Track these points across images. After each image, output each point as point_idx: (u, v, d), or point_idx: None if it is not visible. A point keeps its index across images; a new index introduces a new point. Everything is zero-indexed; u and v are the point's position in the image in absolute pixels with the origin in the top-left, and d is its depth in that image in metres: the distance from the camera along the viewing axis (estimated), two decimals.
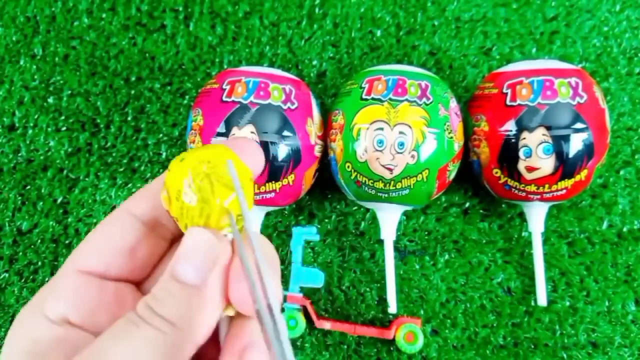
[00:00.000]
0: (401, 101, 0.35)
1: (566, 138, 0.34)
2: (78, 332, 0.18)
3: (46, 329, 0.18)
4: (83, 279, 0.19)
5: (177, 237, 0.21)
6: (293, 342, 0.40)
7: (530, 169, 0.35)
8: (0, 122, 0.44)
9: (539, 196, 0.37)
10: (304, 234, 0.38)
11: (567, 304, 0.40)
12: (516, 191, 0.37)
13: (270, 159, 0.35)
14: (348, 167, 0.36)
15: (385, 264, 0.38)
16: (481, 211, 0.42)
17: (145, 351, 0.16)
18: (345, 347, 0.40)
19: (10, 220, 0.43)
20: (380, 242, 0.41)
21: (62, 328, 0.18)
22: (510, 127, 0.35)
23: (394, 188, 0.36)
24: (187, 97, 0.44)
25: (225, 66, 0.45)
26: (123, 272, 0.20)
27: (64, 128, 0.44)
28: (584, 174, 0.35)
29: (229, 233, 0.18)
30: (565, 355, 0.39)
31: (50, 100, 0.45)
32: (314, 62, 0.45)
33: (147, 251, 0.20)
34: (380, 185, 0.36)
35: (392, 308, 0.38)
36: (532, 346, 0.40)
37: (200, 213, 0.18)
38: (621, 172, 0.43)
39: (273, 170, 0.35)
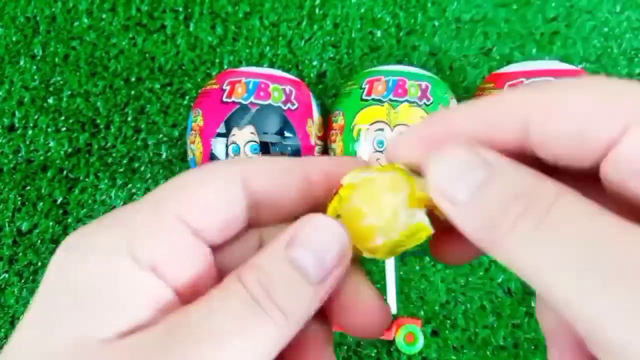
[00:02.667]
0: (401, 102, 0.35)
1: None
2: (162, 285, 0.15)
3: (130, 268, 0.15)
4: (180, 227, 0.16)
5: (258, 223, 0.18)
6: None
7: None
8: (0, 122, 0.44)
9: None
10: None
11: None
12: None
13: None
14: None
15: (386, 264, 0.38)
16: None
17: (263, 346, 0.14)
18: (345, 347, 0.40)
19: (10, 220, 0.43)
20: None
21: (148, 274, 0.15)
22: None
23: None
24: (187, 97, 0.44)
25: (225, 67, 0.45)
26: (213, 238, 0.17)
27: (63, 128, 0.44)
28: None
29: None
30: None
31: (50, 100, 0.45)
32: (314, 63, 0.45)
33: (239, 226, 0.17)
34: None
35: (392, 309, 0.38)
36: (533, 347, 0.40)
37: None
38: None
39: None
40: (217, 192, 0.16)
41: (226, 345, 0.14)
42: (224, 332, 0.14)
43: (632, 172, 0.13)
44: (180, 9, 0.46)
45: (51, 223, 0.43)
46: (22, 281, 0.42)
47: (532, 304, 0.40)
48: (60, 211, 0.43)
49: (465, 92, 0.44)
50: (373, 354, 0.40)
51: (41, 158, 0.44)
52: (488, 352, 0.40)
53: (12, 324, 0.41)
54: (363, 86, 0.36)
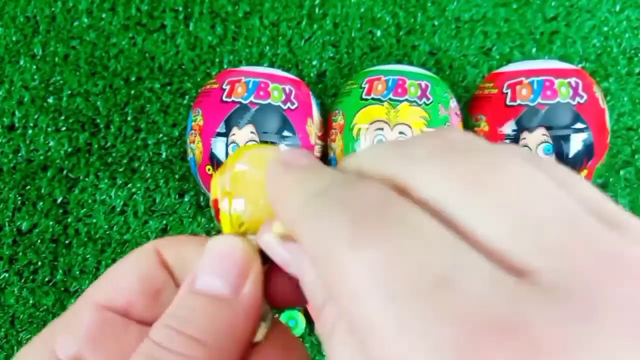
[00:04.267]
0: (401, 101, 0.35)
1: (566, 138, 0.34)
2: None
3: None
4: (104, 314, 0.16)
5: None
6: None
7: None
8: (0, 122, 0.44)
9: None
10: None
11: None
12: None
13: None
14: None
15: None
16: None
17: None
18: None
19: (10, 220, 0.43)
20: None
21: None
22: (510, 127, 0.35)
23: None
24: (187, 97, 0.44)
25: (225, 66, 0.45)
26: (147, 314, 0.17)
27: (63, 128, 0.44)
28: (583, 174, 0.35)
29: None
30: None
31: (50, 100, 0.45)
32: (314, 62, 0.45)
33: (171, 292, 0.17)
34: None
35: None
36: None
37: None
38: (621, 172, 0.43)
39: None
40: (130, 267, 0.17)
41: None
42: None
43: None
44: (180, 9, 0.46)
45: (51, 222, 0.43)
46: (22, 281, 0.42)
47: None
48: (60, 211, 0.43)
49: (465, 91, 0.44)
50: None
51: (41, 158, 0.44)
52: None
53: (12, 323, 0.41)
54: (363, 85, 0.36)
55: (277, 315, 0.18)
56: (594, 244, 0.10)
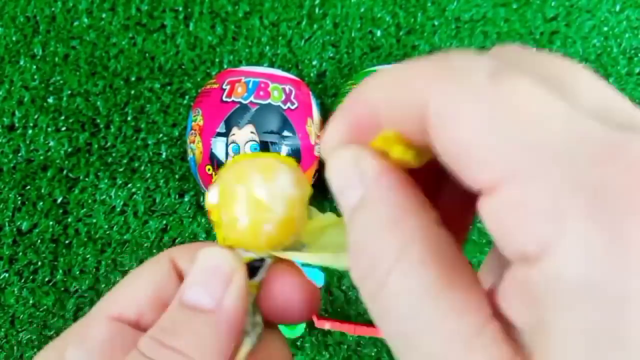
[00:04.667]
0: None
1: None
2: None
3: None
4: (115, 326, 0.16)
5: None
6: (293, 342, 0.40)
7: None
8: (0, 122, 0.44)
9: None
10: None
11: None
12: None
13: None
14: None
15: None
16: None
17: None
18: (345, 347, 0.40)
19: (10, 220, 0.43)
20: None
21: None
22: None
23: None
24: (187, 97, 0.44)
25: (225, 66, 0.45)
26: (153, 321, 0.17)
27: (63, 128, 0.44)
28: None
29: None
30: None
31: (50, 100, 0.45)
32: (314, 62, 0.45)
33: None
34: None
35: None
36: None
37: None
38: None
39: None
40: (143, 279, 0.17)
41: None
42: None
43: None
44: (180, 9, 0.46)
45: (51, 222, 0.43)
46: (22, 281, 0.42)
47: None
48: (60, 211, 0.43)
49: None
50: (373, 354, 0.40)
51: (41, 158, 0.44)
52: None
53: (12, 323, 0.41)
54: None
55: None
56: (597, 143, 0.10)
